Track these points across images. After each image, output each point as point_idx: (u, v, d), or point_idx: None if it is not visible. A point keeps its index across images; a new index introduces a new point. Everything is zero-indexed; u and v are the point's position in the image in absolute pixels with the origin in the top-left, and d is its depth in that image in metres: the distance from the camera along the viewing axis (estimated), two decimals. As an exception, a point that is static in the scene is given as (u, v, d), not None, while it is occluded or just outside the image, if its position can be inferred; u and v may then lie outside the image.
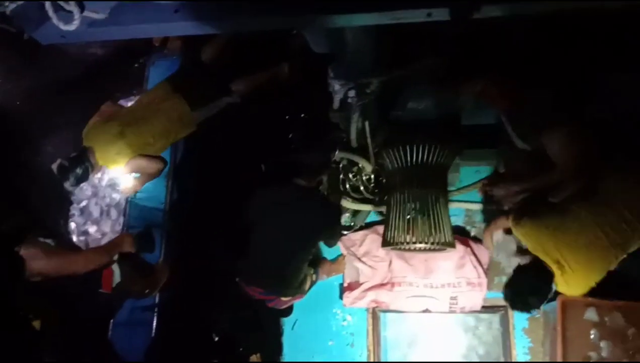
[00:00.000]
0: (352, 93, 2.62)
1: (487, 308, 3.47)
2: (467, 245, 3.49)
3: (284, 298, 3.12)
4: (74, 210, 4.25)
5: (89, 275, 2.51)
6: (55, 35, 1.74)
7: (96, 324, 2.47)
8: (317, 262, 3.57)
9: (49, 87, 3.99)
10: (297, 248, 3.05)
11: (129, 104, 3.78)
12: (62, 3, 1.51)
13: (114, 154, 3.25)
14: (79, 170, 3.18)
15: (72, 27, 1.50)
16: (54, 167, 3.20)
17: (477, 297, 3.40)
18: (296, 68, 3.70)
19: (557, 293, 2.65)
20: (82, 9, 1.52)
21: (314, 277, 3.36)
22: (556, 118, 2.34)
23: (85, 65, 4.20)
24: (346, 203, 3.66)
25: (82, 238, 4.20)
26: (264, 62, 3.75)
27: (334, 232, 3.30)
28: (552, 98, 2.44)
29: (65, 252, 2.54)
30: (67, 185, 3.24)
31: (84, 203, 4.25)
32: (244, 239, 3.13)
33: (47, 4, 1.49)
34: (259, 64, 3.74)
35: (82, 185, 3.84)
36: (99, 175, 4.02)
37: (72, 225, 4.22)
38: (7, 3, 1.63)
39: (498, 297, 3.34)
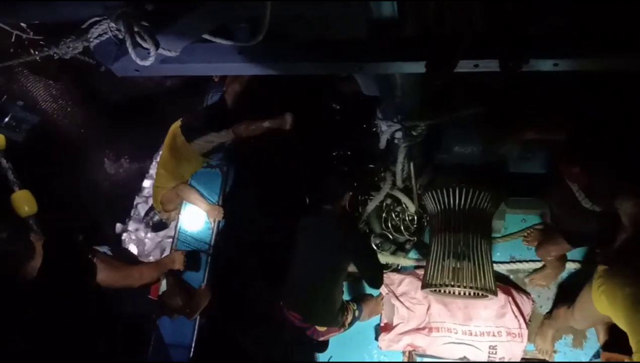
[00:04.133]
0: (399, 134, 2.70)
1: (527, 360, 3.36)
2: (509, 294, 3.42)
3: (319, 328, 3.11)
4: (130, 227, 4.48)
5: None
6: (130, 69, 1.92)
7: (139, 326, 2.59)
8: (361, 297, 3.59)
9: (114, 111, 4.26)
10: (325, 273, 3.06)
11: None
12: (140, 40, 1.68)
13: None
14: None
15: (147, 62, 1.65)
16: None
17: (517, 348, 3.30)
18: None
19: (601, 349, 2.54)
20: (157, 46, 1.68)
21: (356, 312, 3.32)
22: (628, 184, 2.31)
23: (149, 93, 4.47)
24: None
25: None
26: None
27: (360, 258, 3.14)
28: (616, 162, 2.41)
29: (122, 266, 2.67)
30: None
31: (139, 225, 4.48)
32: (283, 267, 3.20)
33: (128, 41, 1.65)
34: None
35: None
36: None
37: (126, 237, 4.44)
38: (92, 39, 1.84)
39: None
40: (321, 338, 3.25)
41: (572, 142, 2.48)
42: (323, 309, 3.10)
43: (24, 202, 2.80)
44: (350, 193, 3.26)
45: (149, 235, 4.41)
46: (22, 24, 2.33)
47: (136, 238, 4.41)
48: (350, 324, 3.30)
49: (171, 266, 3.17)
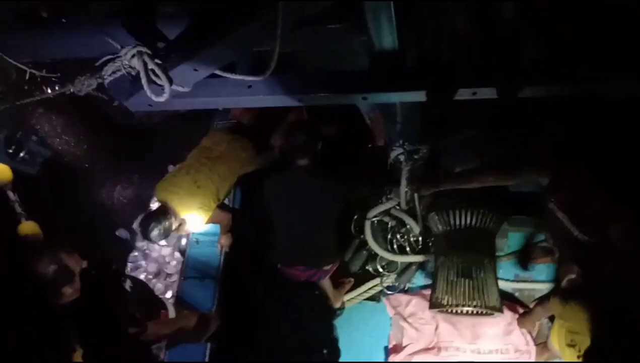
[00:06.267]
0: (401, 158, 2.78)
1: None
2: (515, 311, 3.45)
3: (325, 268, 3.29)
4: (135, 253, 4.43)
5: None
6: (143, 104, 2.00)
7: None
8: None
9: (120, 139, 4.34)
10: (321, 218, 3.22)
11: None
12: (154, 78, 1.77)
13: (196, 206, 3.33)
14: (163, 224, 3.16)
15: (162, 98, 1.73)
16: (136, 224, 3.32)
17: (525, 365, 3.33)
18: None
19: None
20: (171, 83, 1.76)
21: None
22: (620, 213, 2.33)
23: (155, 121, 4.55)
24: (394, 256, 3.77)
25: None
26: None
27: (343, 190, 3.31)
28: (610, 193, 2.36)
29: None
30: (152, 237, 3.17)
31: (141, 252, 4.43)
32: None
33: (143, 79, 1.73)
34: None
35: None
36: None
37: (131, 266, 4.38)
38: (106, 76, 1.93)
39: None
40: (327, 277, 3.40)
41: (562, 172, 2.51)
42: (323, 250, 3.28)
43: (30, 233, 2.91)
44: (316, 141, 3.31)
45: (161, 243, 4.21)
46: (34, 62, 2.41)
47: (150, 252, 4.31)
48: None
49: (187, 323, 3.24)
